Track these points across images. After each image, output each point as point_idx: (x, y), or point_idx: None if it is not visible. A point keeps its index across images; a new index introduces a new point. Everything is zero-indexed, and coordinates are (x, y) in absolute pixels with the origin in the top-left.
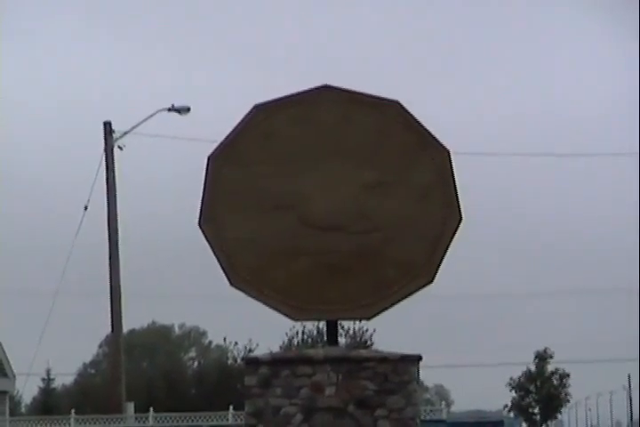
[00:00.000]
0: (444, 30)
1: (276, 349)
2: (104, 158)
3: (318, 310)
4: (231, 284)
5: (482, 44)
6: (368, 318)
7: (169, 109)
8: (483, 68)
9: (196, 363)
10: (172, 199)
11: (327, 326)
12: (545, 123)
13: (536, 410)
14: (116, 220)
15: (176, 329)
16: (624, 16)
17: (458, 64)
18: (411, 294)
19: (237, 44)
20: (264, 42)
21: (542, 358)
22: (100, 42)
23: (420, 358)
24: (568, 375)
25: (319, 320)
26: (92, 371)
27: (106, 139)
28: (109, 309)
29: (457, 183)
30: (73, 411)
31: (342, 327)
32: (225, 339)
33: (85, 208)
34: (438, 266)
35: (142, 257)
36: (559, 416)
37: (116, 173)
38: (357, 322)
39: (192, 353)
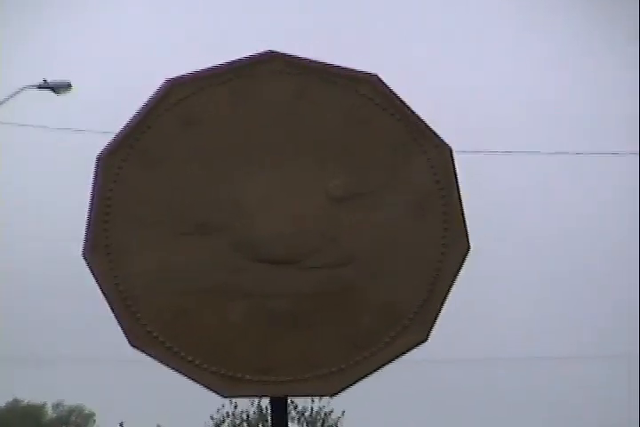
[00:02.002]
0: None
1: None
2: None
3: (260, 381)
4: (130, 342)
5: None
6: (332, 395)
7: (40, 86)
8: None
9: None
10: (46, 217)
11: (272, 405)
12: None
13: None
14: None
15: (49, 410)
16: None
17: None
18: (396, 357)
19: None
20: None
21: None
22: None
23: None
24: None
25: (260, 397)
26: None
27: None
28: None
29: (461, 194)
30: None
31: (295, 407)
32: (121, 425)
33: None
34: (436, 317)
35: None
36: None
37: None
38: (316, 400)
39: None
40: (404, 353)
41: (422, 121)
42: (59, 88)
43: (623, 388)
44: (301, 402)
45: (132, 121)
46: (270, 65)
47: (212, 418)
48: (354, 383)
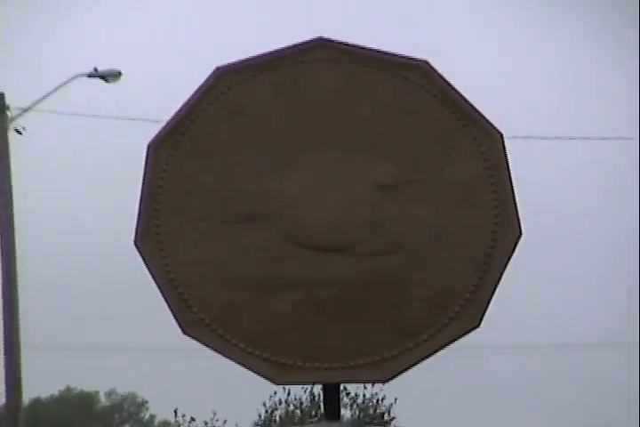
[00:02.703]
0: None
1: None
2: None
3: (311, 368)
4: (183, 331)
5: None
6: (385, 381)
7: (90, 75)
8: None
9: None
10: (94, 206)
11: (325, 392)
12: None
13: None
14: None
15: (102, 398)
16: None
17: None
18: (448, 343)
19: None
20: None
21: None
22: None
23: None
24: None
25: (313, 384)
26: None
27: None
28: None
29: (513, 181)
30: None
31: (347, 394)
32: (175, 412)
33: None
34: (487, 303)
35: (49, 291)
36: None
37: (12, 171)
38: (370, 386)
39: None
40: (455, 340)
41: (473, 107)
42: (109, 76)
43: None
44: (353, 389)
45: (181, 110)
46: (318, 52)
47: (264, 405)
48: (406, 370)
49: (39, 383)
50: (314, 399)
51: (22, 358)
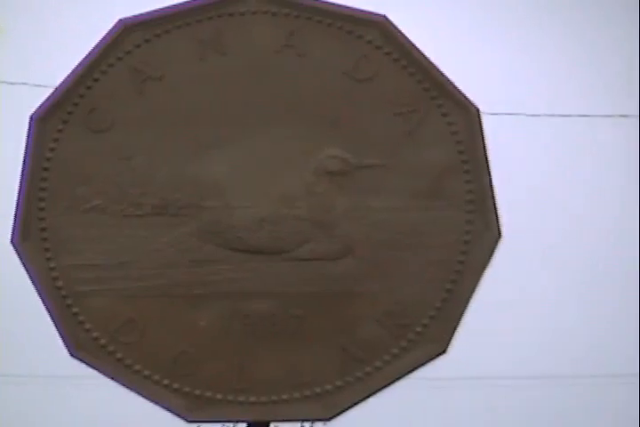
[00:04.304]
0: None
1: None
2: None
3: (235, 402)
4: (71, 353)
5: None
6: (328, 419)
7: None
8: None
9: None
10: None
11: None
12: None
13: None
14: None
15: None
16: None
17: None
18: (408, 372)
19: None
20: None
21: None
22: None
23: None
24: None
25: (235, 422)
26: None
27: None
28: None
29: (490, 166)
30: None
31: None
32: None
33: None
34: (457, 321)
35: None
36: None
37: None
38: (308, 426)
39: None
40: (417, 368)
41: (443, 75)
42: None
43: None
44: None
45: (74, 73)
46: (250, 1)
47: None
48: (354, 405)
49: None
50: None
51: None
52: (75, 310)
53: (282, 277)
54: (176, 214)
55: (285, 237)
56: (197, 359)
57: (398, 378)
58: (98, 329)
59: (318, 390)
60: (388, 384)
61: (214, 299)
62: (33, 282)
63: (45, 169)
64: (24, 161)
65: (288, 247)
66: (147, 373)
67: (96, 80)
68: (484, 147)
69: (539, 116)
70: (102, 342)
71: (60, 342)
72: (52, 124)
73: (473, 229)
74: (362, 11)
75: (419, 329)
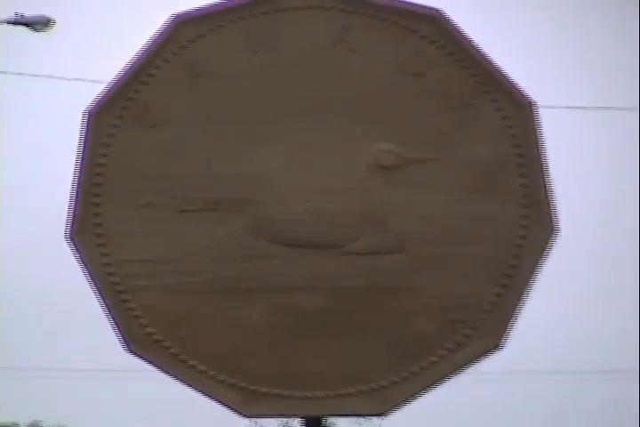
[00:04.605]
0: None
1: None
2: None
3: (289, 397)
4: (128, 348)
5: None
6: (382, 414)
7: (10, 22)
8: None
9: None
10: (26, 191)
11: None
12: None
13: None
14: None
15: None
16: None
17: None
18: (461, 367)
19: None
20: None
21: None
22: None
23: None
24: None
25: (290, 417)
26: None
27: None
28: None
29: (547, 162)
30: None
31: None
32: None
33: None
34: (512, 316)
35: None
36: None
37: None
38: (362, 420)
39: None
40: (472, 363)
41: (498, 69)
42: (36, 24)
43: None
44: (344, 424)
45: (128, 68)
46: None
47: None
48: (409, 400)
49: None
50: None
51: None
52: (130, 305)
53: (333, 272)
54: (229, 210)
55: (342, 231)
56: (251, 354)
57: (454, 373)
58: (152, 324)
59: (373, 385)
60: (444, 379)
61: (268, 292)
62: (89, 277)
63: (100, 165)
64: (79, 157)
65: (342, 242)
66: (202, 368)
67: (151, 75)
68: (539, 141)
69: (587, 108)
70: (157, 337)
71: (112, 336)
72: (107, 119)
73: (528, 224)
74: (416, 5)
75: (474, 324)
